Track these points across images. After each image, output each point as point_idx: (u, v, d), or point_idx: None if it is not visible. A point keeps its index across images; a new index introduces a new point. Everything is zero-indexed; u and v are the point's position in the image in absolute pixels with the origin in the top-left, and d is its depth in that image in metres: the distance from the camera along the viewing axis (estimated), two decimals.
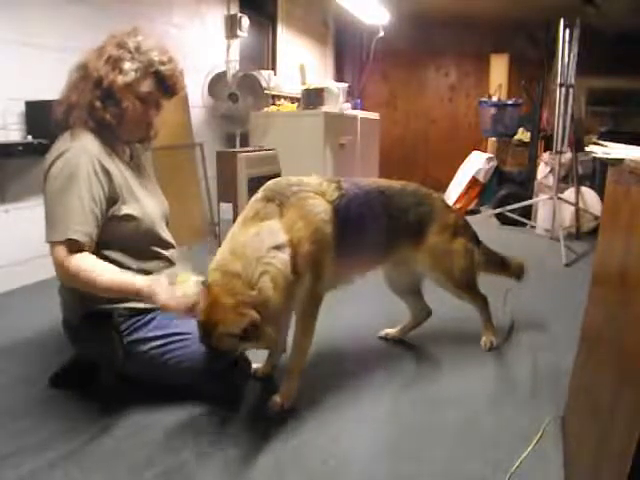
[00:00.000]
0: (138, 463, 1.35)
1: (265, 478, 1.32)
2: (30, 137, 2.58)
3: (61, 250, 1.42)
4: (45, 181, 1.48)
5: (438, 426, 1.55)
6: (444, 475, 1.34)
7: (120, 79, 1.48)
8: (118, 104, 1.51)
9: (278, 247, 1.44)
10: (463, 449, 1.44)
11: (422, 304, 2.12)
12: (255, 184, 3.22)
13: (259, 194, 1.58)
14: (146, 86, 1.53)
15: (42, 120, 2.49)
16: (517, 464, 1.35)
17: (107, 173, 1.50)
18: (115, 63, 1.49)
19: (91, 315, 1.54)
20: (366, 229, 1.73)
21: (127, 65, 1.49)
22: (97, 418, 1.54)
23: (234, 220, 3.39)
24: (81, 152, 1.46)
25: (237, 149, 3.51)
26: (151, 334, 1.58)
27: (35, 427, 1.49)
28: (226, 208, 3.19)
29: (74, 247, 1.43)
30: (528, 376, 1.85)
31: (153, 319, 1.60)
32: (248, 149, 3.55)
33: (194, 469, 1.34)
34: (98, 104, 1.49)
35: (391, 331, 2.15)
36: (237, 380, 1.66)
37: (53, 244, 1.43)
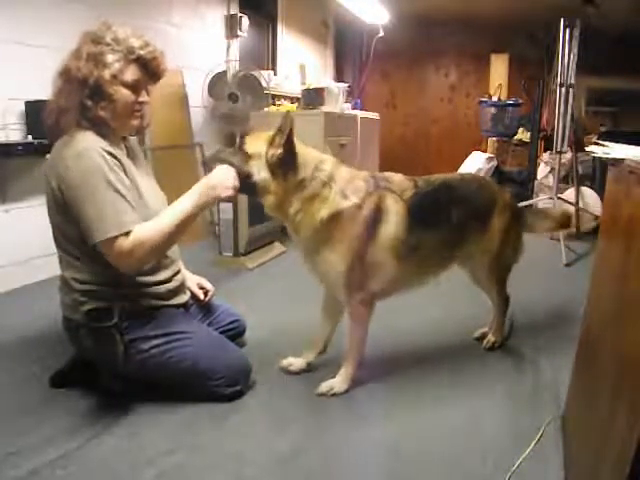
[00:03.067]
0: (138, 462, 1.35)
1: (264, 477, 1.32)
2: (30, 137, 2.58)
3: (120, 243, 1.43)
4: (64, 186, 1.45)
5: (438, 426, 1.55)
6: (444, 475, 1.34)
7: (106, 73, 1.48)
8: (109, 98, 1.50)
9: (354, 193, 1.61)
10: (463, 449, 1.44)
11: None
12: None
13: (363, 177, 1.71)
14: (131, 73, 1.53)
15: (42, 120, 2.50)
16: (517, 464, 1.35)
17: (122, 168, 1.52)
18: (97, 59, 1.48)
19: (91, 313, 1.54)
20: (438, 226, 1.78)
21: (109, 58, 1.49)
22: (97, 417, 1.54)
23: (234, 220, 3.39)
24: (95, 149, 1.46)
25: None
26: (152, 333, 1.58)
27: (36, 426, 1.49)
28: (226, 208, 3.18)
29: (127, 236, 1.44)
30: (528, 376, 1.85)
31: (155, 317, 1.61)
32: None
33: (194, 469, 1.34)
34: (89, 103, 1.49)
35: (486, 330, 2.14)
36: (237, 380, 1.66)
37: (108, 240, 1.43)
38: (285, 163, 1.55)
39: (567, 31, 3.65)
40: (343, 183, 1.62)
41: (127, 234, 1.44)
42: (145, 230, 1.47)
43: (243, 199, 3.15)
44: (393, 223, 1.66)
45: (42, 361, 1.86)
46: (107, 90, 1.49)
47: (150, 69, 1.57)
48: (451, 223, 1.81)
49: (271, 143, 1.55)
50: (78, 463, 1.35)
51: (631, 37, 5.19)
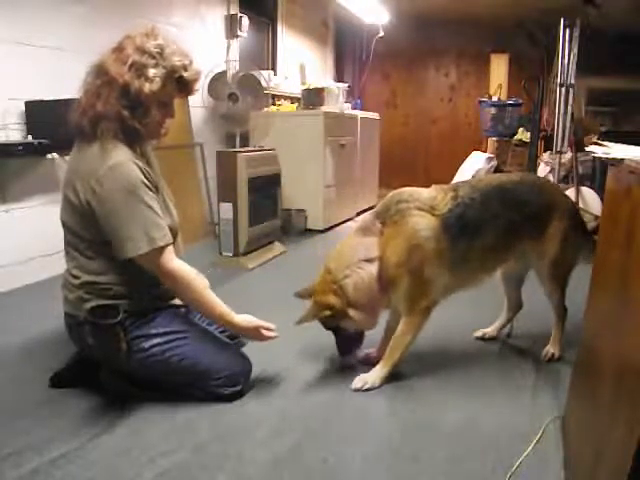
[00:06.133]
0: (139, 462, 1.35)
1: (264, 477, 1.32)
2: (30, 137, 2.58)
3: (152, 258, 1.48)
4: (95, 199, 1.45)
5: (438, 426, 1.55)
6: (444, 475, 1.34)
7: (147, 87, 1.45)
8: (147, 112, 1.50)
9: (369, 260, 1.71)
10: (463, 449, 1.44)
11: (519, 296, 2.15)
12: (255, 184, 3.24)
13: (376, 208, 1.81)
14: (169, 91, 1.53)
15: (42, 120, 2.50)
16: (517, 464, 1.35)
17: (153, 180, 1.53)
18: (139, 70, 1.45)
19: (96, 310, 1.54)
20: (486, 233, 1.78)
21: (152, 72, 1.46)
22: (98, 418, 1.55)
23: (234, 220, 3.39)
24: (130, 163, 1.46)
25: (237, 149, 3.50)
26: (154, 331, 1.58)
27: (36, 426, 1.49)
28: (226, 208, 3.19)
29: (161, 252, 1.48)
30: (528, 376, 1.85)
31: (156, 316, 1.61)
32: (248, 149, 3.55)
33: (194, 468, 1.34)
34: (126, 113, 1.47)
35: (488, 330, 2.16)
36: (237, 380, 1.66)
37: (140, 256, 1.46)
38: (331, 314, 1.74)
39: (567, 31, 3.65)
40: (348, 258, 1.73)
41: (161, 249, 1.48)
42: (191, 280, 1.55)
43: (244, 197, 3.16)
44: (428, 239, 1.69)
45: (42, 361, 1.87)
46: (145, 104, 1.48)
47: (187, 89, 1.58)
48: (503, 228, 1.81)
49: (335, 293, 1.72)
50: (78, 463, 1.35)
51: (631, 37, 5.19)
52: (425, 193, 1.77)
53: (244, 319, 1.64)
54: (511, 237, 1.85)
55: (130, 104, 1.47)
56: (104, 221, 1.47)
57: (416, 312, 1.75)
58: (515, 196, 1.85)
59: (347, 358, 1.87)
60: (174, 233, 1.62)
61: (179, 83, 1.54)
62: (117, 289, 1.55)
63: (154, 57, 1.47)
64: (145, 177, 1.49)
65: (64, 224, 1.57)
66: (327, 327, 1.81)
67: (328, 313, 1.73)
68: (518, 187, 1.89)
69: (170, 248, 1.52)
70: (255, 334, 1.67)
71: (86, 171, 1.47)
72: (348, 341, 1.82)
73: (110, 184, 1.44)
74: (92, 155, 1.48)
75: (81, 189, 1.47)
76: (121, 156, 1.46)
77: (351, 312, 1.72)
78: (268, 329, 1.68)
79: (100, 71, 1.48)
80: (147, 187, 1.48)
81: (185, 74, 1.52)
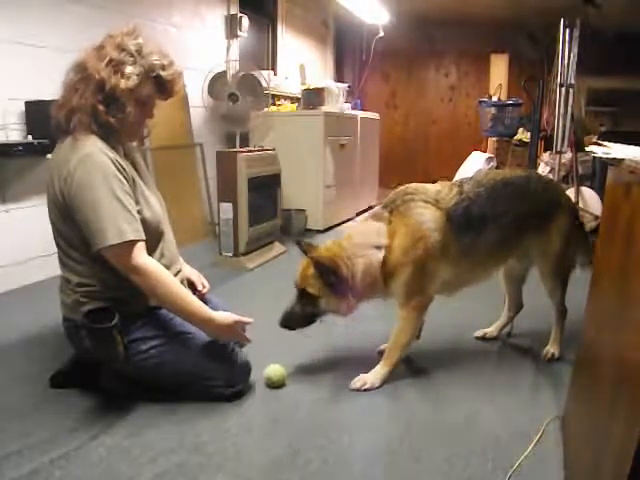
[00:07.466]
0: (138, 462, 1.35)
1: (264, 477, 1.32)
2: (30, 137, 2.58)
3: (121, 251, 1.45)
4: (66, 190, 1.45)
5: (438, 426, 1.55)
6: (444, 475, 1.34)
7: (123, 83, 1.47)
8: (122, 108, 1.50)
9: (378, 247, 1.71)
10: (463, 448, 1.44)
11: (520, 296, 2.16)
12: (255, 184, 3.23)
13: (384, 200, 1.83)
14: (146, 90, 1.53)
15: (42, 120, 2.48)
16: (517, 464, 1.35)
17: (127, 173, 1.52)
18: (117, 67, 1.47)
19: (92, 314, 1.54)
20: (491, 228, 1.78)
21: (129, 69, 1.48)
22: (97, 418, 1.55)
23: (234, 220, 3.38)
24: (101, 155, 1.46)
25: (237, 149, 3.50)
26: (151, 333, 1.58)
27: (35, 427, 1.49)
28: (226, 208, 3.19)
29: (131, 246, 1.46)
30: (528, 376, 1.85)
31: (154, 318, 1.61)
32: (248, 149, 3.55)
33: (194, 468, 1.34)
34: (101, 108, 1.48)
35: (488, 330, 2.17)
36: (237, 380, 1.66)
37: (109, 248, 1.44)
38: (335, 279, 1.68)
39: (567, 31, 3.65)
40: (360, 240, 1.73)
41: (131, 243, 1.45)
42: (163, 276, 1.51)
43: (244, 197, 3.15)
44: (433, 231, 1.70)
45: (42, 361, 1.87)
46: (120, 100, 1.49)
47: (166, 89, 1.58)
48: (509, 223, 1.81)
49: (317, 277, 1.69)
50: (78, 463, 1.35)
51: (631, 37, 5.19)
52: (431, 187, 1.81)
53: (221, 314, 1.60)
54: (517, 232, 1.86)
55: (105, 99, 1.48)
56: (78, 215, 1.46)
57: (411, 307, 1.76)
58: (522, 191, 1.86)
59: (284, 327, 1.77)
60: (154, 229, 1.61)
61: (157, 82, 1.54)
62: (109, 291, 1.55)
63: (132, 55, 1.49)
64: (117, 169, 1.48)
65: (52, 226, 1.57)
66: (301, 295, 1.74)
67: (333, 279, 1.67)
68: (524, 182, 1.90)
69: (141, 244, 1.49)
70: (233, 332, 1.62)
71: (60, 164, 1.48)
72: (301, 317, 1.76)
73: (80, 175, 1.44)
74: (65, 147, 1.49)
75: (56, 182, 1.48)
76: (92, 147, 1.46)
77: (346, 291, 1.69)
78: (246, 323, 1.64)
79: (79, 68, 1.50)
80: (118, 179, 1.47)
81: (163, 73, 1.53)
